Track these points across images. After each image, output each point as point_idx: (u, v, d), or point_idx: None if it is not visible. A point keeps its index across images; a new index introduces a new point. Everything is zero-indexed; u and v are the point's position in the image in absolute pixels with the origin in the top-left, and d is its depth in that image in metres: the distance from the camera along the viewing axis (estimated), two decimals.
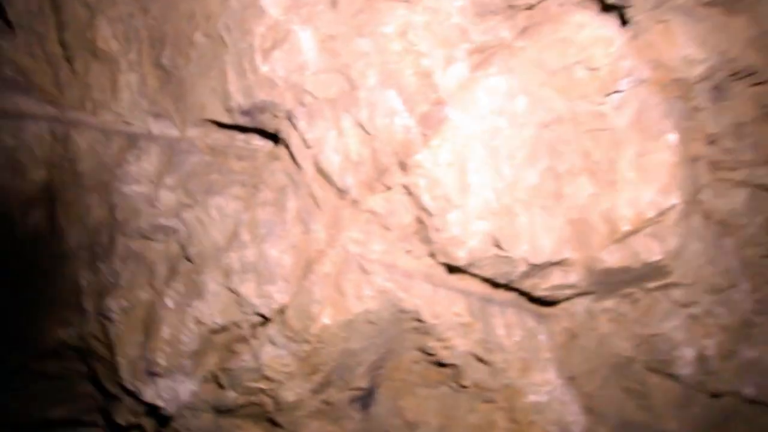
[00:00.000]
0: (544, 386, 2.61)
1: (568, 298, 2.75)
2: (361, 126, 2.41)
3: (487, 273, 2.52)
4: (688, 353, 2.72)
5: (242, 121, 2.41)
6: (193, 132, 2.49)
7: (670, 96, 2.39)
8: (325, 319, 2.34)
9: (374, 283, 2.36)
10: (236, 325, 2.22)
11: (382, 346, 2.50)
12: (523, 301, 2.72)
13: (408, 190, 2.45)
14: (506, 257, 2.46)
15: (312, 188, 2.37)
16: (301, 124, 2.31)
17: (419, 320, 2.46)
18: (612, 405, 2.95)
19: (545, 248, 2.50)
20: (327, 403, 2.52)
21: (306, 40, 2.24)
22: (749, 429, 2.66)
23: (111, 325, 2.08)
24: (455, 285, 2.55)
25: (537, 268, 2.51)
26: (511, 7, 2.36)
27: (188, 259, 2.23)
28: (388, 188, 2.46)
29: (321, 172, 2.37)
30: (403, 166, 2.43)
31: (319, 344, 2.39)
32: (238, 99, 2.32)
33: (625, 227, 2.44)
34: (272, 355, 2.31)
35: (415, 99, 2.43)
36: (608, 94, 2.29)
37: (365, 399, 2.73)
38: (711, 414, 2.71)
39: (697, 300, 2.59)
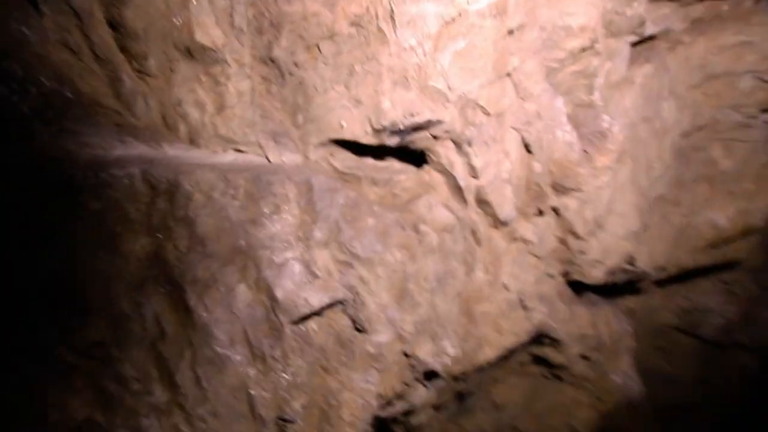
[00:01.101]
0: (624, 368, 2.88)
1: (645, 291, 2.98)
2: (526, 145, 2.04)
3: (610, 283, 2.55)
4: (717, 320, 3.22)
5: (389, 142, 1.83)
6: (316, 153, 1.82)
7: None
8: (483, 361, 2.16)
9: (533, 319, 2.22)
10: (406, 384, 1.91)
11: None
12: (619, 299, 2.86)
13: (557, 213, 2.24)
14: (632, 271, 2.49)
15: (474, 224, 2.00)
16: (470, 149, 1.86)
17: (552, 338, 2.44)
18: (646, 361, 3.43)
19: (657, 257, 2.60)
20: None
21: (485, 34, 1.70)
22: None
23: (291, 426, 1.57)
24: (583, 301, 2.54)
25: (645, 274, 2.61)
26: None
27: (359, 330, 1.76)
28: (541, 213, 2.21)
29: (483, 203, 2.00)
30: (558, 188, 2.18)
31: (464, 379, 2.23)
32: (394, 116, 1.73)
33: (723, 236, 2.62)
34: (425, 397, 2.09)
35: (579, 110, 2.13)
36: (764, 112, 2.27)
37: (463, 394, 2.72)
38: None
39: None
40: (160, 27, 1.38)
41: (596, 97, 2.17)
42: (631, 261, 2.43)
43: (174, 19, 1.37)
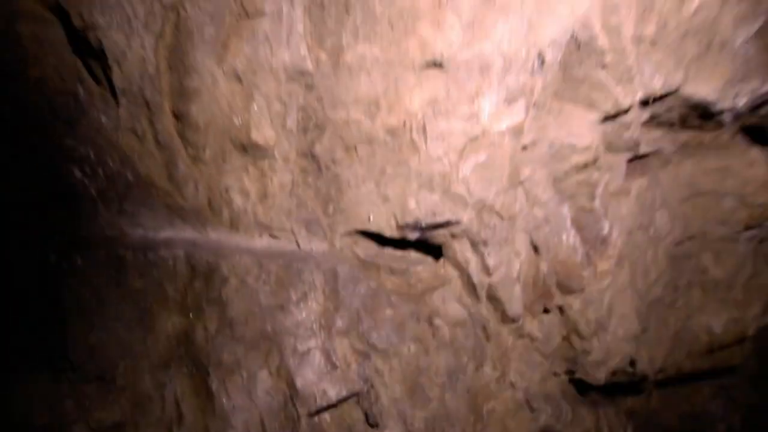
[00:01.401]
0: None
1: (646, 392, 2.98)
2: (535, 247, 2.18)
3: (611, 383, 2.56)
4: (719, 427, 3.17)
5: (410, 236, 1.95)
6: (341, 242, 1.92)
7: None
8: None
9: (539, 420, 2.20)
10: None
11: None
12: (620, 399, 2.84)
13: (562, 311, 2.32)
14: (633, 372, 2.52)
15: (485, 319, 2.07)
16: (485, 248, 1.98)
17: None
18: None
19: (657, 359, 2.64)
20: None
21: (503, 150, 1.90)
22: None
23: None
24: (586, 401, 2.53)
25: (645, 375, 2.63)
26: (681, 123, 2.37)
27: (371, 424, 1.74)
28: (546, 311, 2.29)
29: (493, 299, 2.08)
30: (563, 288, 2.28)
31: None
32: (418, 214, 1.87)
33: (718, 341, 2.70)
34: None
35: (581, 214, 2.30)
36: (750, 228, 2.46)
37: None
38: None
39: None
40: (220, 123, 1.55)
41: (597, 204, 2.36)
42: (632, 362, 2.47)
43: (234, 119, 1.54)
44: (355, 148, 1.80)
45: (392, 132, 1.78)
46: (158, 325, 1.39)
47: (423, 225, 1.89)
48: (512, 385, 2.14)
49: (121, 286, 1.33)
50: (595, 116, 2.17)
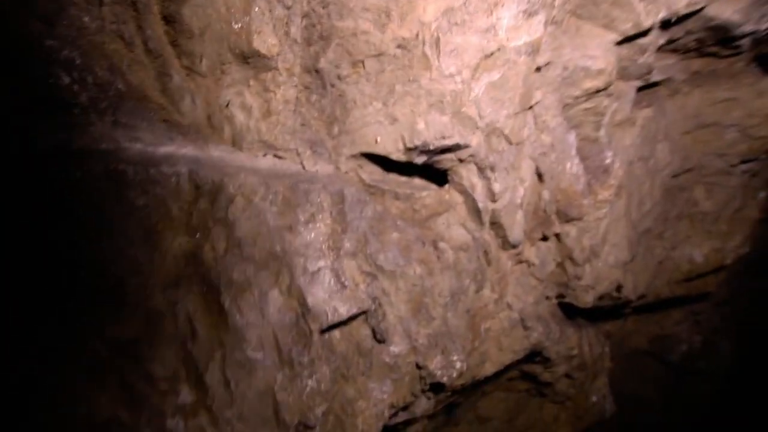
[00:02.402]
0: (601, 388, 3.02)
1: (623, 316, 3.15)
2: (539, 174, 2.15)
3: (597, 307, 2.68)
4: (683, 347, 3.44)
5: (417, 160, 1.88)
6: (347, 164, 1.85)
7: None
8: (482, 375, 2.23)
9: (531, 338, 2.31)
10: (414, 395, 1.94)
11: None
12: (600, 322, 3.01)
13: (559, 239, 2.36)
14: (618, 297, 2.64)
15: (487, 244, 2.08)
16: (492, 174, 1.94)
17: (544, 357, 2.54)
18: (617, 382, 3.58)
19: (640, 286, 2.77)
20: None
21: (518, 69, 1.80)
22: None
23: None
24: (572, 323, 2.66)
25: (628, 301, 2.77)
26: (697, 50, 2.27)
27: (378, 340, 1.78)
28: (545, 238, 2.32)
29: (496, 225, 2.08)
30: (562, 216, 2.30)
31: (461, 392, 2.29)
32: (427, 137, 1.79)
33: (698, 270, 2.82)
34: (425, 407, 2.12)
35: (585, 143, 2.26)
36: (749, 161, 2.47)
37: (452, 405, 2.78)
38: None
39: None
40: (218, 29, 1.38)
41: (602, 133, 2.31)
42: (618, 288, 2.57)
43: (233, 24, 1.38)
44: (363, 63, 1.66)
45: (403, 45, 1.64)
46: (164, 244, 1.34)
47: (431, 148, 1.82)
48: (509, 306, 2.21)
49: (122, 202, 1.25)
50: (612, 37, 2.04)
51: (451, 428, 2.86)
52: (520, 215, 2.11)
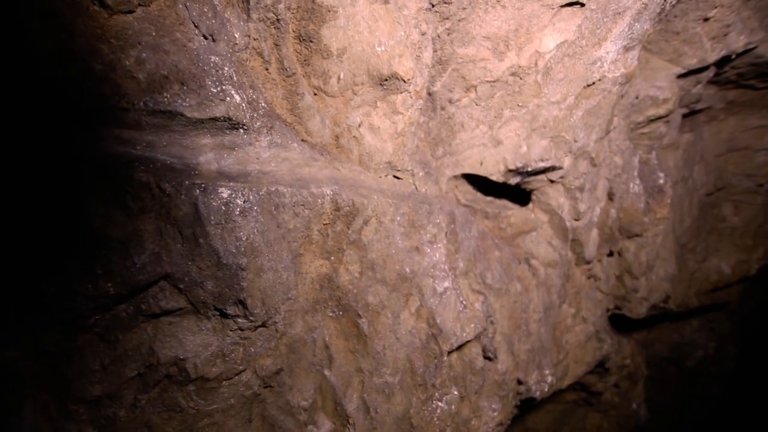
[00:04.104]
0: (640, 395, 3.11)
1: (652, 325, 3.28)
2: (610, 194, 2.24)
3: (647, 317, 2.78)
4: (698, 353, 3.59)
5: (512, 181, 1.92)
6: (447, 185, 1.86)
7: None
8: (561, 387, 2.25)
9: (602, 349, 2.36)
10: (511, 411, 1.93)
11: None
12: (636, 332, 3.11)
13: (620, 254, 2.44)
14: (665, 308, 2.76)
15: (569, 261, 2.13)
16: (579, 194, 2.00)
17: (604, 368, 2.59)
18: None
19: (678, 297, 2.89)
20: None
21: (611, 98, 1.89)
22: None
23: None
24: (624, 333, 2.74)
25: (671, 311, 2.89)
26: (735, 82, 2.44)
27: (488, 358, 1.76)
28: (610, 254, 2.40)
29: (576, 242, 2.14)
30: (625, 233, 2.39)
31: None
32: (527, 159, 1.83)
33: (725, 281, 2.99)
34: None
35: (643, 166, 2.38)
36: None
37: None
38: None
39: None
40: (358, 51, 1.37)
41: (653, 156, 2.44)
42: (666, 300, 2.68)
43: (377, 47, 1.37)
44: (476, 88, 1.69)
45: (516, 73, 1.68)
46: (304, 267, 1.29)
47: (529, 170, 1.86)
48: (584, 319, 2.25)
49: (278, 225, 1.19)
50: (676, 71, 2.18)
51: None
52: (595, 233, 2.17)
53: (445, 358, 1.52)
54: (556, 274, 2.00)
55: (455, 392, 1.52)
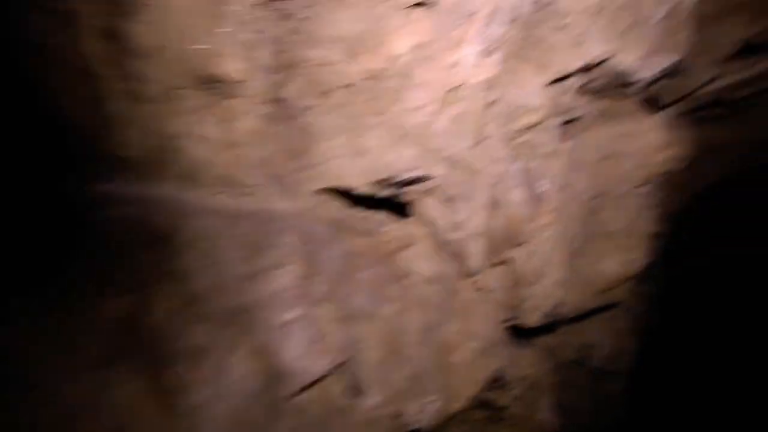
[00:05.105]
0: (547, 404, 3.12)
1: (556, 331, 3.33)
2: (495, 202, 2.19)
3: (541, 325, 2.78)
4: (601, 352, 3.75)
5: (382, 193, 1.78)
6: (310, 200, 1.67)
7: None
8: (452, 412, 2.11)
9: (494, 365, 2.27)
10: None
11: None
12: (539, 339, 3.13)
13: (509, 264, 2.41)
14: (559, 314, 2.78)
15: (451, 275, 2.03)
16: (455, 204, 1.92)
17: (503, 382, 2.53)
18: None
19: (571, 301, 2.96)
20: None
21: (476, 104, 1.84)
22: None
23: None
24: (521, 343, 2.71)
25: (564, 317, 2.94)
26: (602, 91, 2.56)
27: (354, 393, 1.56)
28: (498, 263, 2.35)
29: (458, 255, 2.05)
30: (512, 241, 2.36)
31: None
32: (394, 170, 1.71)
33: (612, 281, 3.12)
34: None
35: (525, 173, 2.38)
36: (645, 184, 2.81)
37: None
38: None
39: None
40: (175, 50, 1.15)
41: (535, 164, 2.45)
42: (560, 306, 2.69)
43: (195, 45, 1.16)
44: (331, 94, 1.54)
45: (373, 77, 1.55)
46: (100, 306, 1.01)
47: (397, 180, 1.73)
48: (473, 335, 2.16)
49: (77, 249, 0.92)
50: (544, 79, 2.20)
51: None
52: (479, 243, 2.10)
53: (295, 400, 1.29)
54: (438, 290, 1.88)
55: None
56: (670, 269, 3.71)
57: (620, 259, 3.09)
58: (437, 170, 1.80)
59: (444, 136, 1.76)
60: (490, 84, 1.79)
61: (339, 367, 1.51)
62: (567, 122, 2.58)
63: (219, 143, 1.28)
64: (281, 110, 1.52)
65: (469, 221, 2.00)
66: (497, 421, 2.89)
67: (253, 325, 1.28)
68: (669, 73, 2.51)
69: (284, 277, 1.39)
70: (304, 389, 1.39)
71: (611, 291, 3.20)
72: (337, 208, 1.77)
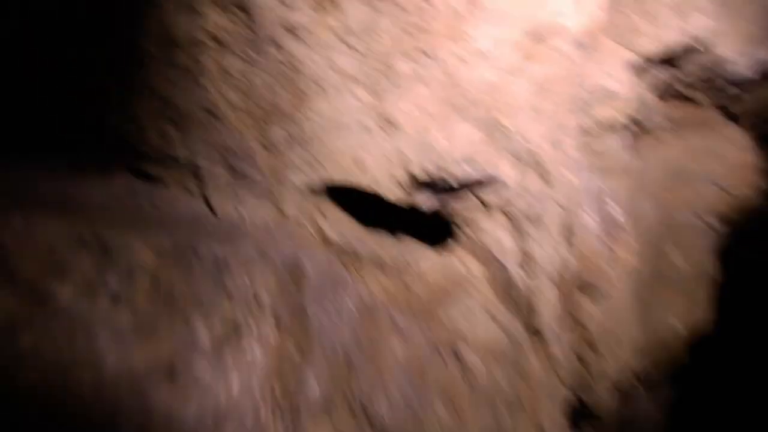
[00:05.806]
0: None
1: None
2: (569, 228, 1.48)
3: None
4: None
5: (420, 199, 1.05)
6: (299, 207, 0.92)
7: None
8: None
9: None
10: None
11: None
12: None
13: (580, 316, 1.68)
14: (636, 387, 2.04)
15: (522, 339, 1.28)
16: (532, 229, 1.20)
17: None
18: None
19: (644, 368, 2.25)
20: None
21: (565, 63, 1.17)
22: None
23: None
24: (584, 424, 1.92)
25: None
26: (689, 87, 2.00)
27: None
28: (571, 317, 1.61)
29: (525, 307, 1.31)
30: (584, 286, 1.64)
31: None
32: (448, 159, 0.98)
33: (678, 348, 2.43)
34: None
35: (600, 188, 1.73)
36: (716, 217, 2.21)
37: None
38: None
39: None
40: None
41: (608, 181, 1.80)
42: (635, 378, 1.96)
43: None
44: (339, 6, 0.83)
45: None
46: None
47: (450, 180, 1.01)
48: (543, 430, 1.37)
49: None
50: (630, 56, 1.59)
51: None
52: (553, 290, 1.37)
53: None
54: (502, 371, 1.11)
55: None
56: (742, 328, 3.03)
57: (688, 314, 2.41)
58: (507, 170, 1.09)
59: (522, 114, 1.07)
60: (590, 39, 1.13)
61: None
62: (641, 128, 1.97)
63: None
64: (249, 34, 0.80)
65: (542, 254, 1.28)
66: None
67: None
68: None
69: (241, 368, 0.60)
70: None
71: (678, 355, 2.49)
72: (338, 222, 1.01)
